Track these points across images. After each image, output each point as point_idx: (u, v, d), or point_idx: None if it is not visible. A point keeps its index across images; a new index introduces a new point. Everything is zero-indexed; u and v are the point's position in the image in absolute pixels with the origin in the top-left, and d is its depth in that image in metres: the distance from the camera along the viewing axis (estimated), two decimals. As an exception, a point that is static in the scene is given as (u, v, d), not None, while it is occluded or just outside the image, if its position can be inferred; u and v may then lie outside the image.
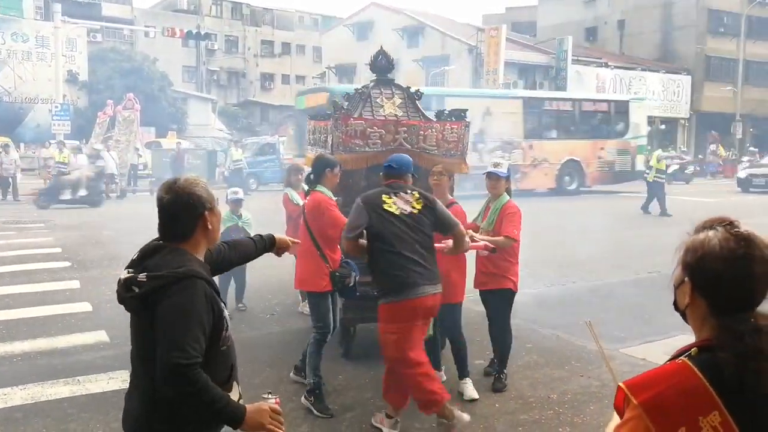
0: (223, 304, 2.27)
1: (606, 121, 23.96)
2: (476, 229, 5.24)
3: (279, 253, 3.01)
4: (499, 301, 5.21)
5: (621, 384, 1.48)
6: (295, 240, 3.15)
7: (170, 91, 39.92)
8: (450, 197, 5.00)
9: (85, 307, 7.46)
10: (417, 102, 5.69)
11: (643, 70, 39.44)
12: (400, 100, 5.59)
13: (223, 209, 7.39)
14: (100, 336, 6.40)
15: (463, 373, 5.09)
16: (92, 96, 36.27)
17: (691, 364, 1.42)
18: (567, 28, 41.85)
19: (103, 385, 5.15)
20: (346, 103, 5.59)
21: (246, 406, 2.18)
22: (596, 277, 9.40)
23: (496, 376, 5.25)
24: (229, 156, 23.45)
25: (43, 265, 9.70)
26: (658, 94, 39.35)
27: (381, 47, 5.87)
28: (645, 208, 16.89)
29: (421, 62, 36.28)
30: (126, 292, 2.17)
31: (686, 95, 40.80)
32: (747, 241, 1.46)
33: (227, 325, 2.26)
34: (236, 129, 43.50)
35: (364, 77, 28.99)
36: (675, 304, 1.56)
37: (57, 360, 5.77)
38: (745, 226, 1.51)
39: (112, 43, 42.36)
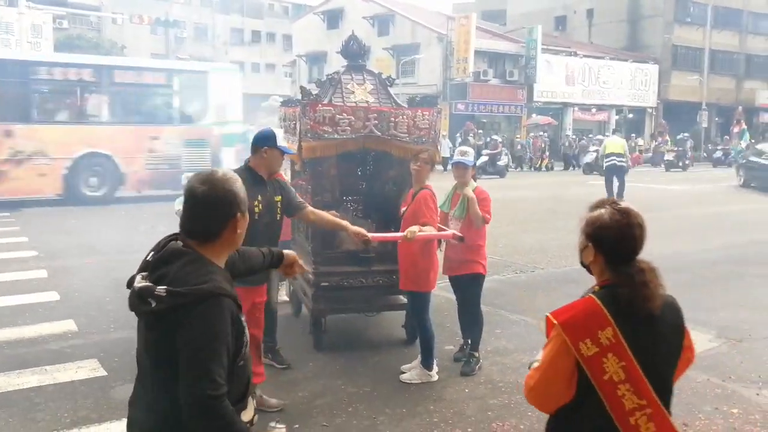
0: (242, 318, 2.07)
1: (165, 100, 16.79)
2: (444, 218, 5.29)
3: (287, 272, 2.82)
4: (470, 285, 5.28)
5: (548, 314, 2.09)
6: (305, 268, 2.96)
7: (138, 78, 39.26)
8: (426, 183, 5.03)
9: (52, 296, 7.36)
10: (389, 88, 5.69)
11: (611, 59, 39.89)
12: (372, 86, 5.58)
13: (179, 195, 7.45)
14: (69, 325, 6.31)
15: (424, 361, 5.09)
16: (58, 83, 35.50)
17: (594, 297, 2.06)
18: (536, 16, 42.15)
19: (71, 375, 5.09)
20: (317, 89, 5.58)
21: None
22: (565, 263, 9.53)
23: (465, 360, 5.31)
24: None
25: (9, 255, 9.51)
26: (626, 83, 39.87)
27: (353, 32, 5.86)
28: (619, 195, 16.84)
29: (392, 50, 36.21)
30: (141, 303, 1.95)
31: (654, 84, 41.38)
32: (626, 213, 2.11)
33: (247, 341, 2.08)
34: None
35: (335, 65, 28.80)
36: (581, 262, 2.22)
37: (24, 349, 5.68)
38: (623, 203, 2.17)
39: (79, 30, 41.52)
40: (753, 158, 22.41)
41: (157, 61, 23.61)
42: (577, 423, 2.06)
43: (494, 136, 29.03)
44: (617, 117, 40.65)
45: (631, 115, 41.19)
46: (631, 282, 2.03)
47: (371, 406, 4.57)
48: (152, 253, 2.07)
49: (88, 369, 5.20)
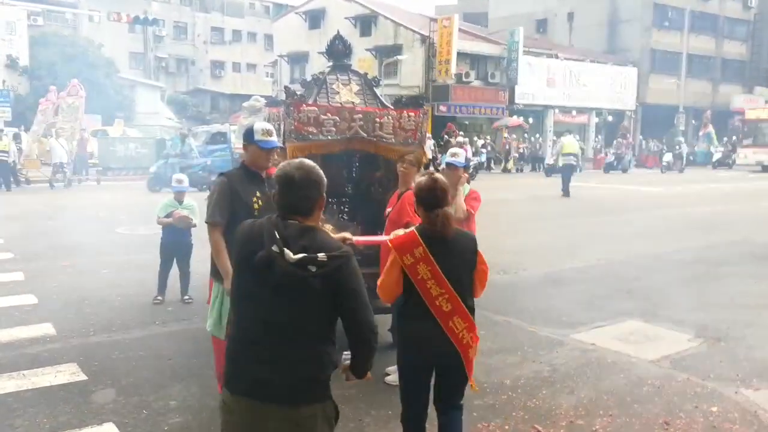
0: None
1: None
2: None
3: None
4: None
5: (387, 240, 3.65)
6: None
7: (117, 77, 38.84)
8: (413, 185, 5.04)
9: (29, 299, 7.22)
10: (375, 89, 5.65)
11: (591, 62, 40.23)
12: (358, 87, 5.53)
13: (167, 197, 7.36)
14: (46, 329, 6.19)
15: None
16: (34, 82, 35.01)
17: (414, 230, 3.38)
18: (518, 19, 42.38)
19: (50, 379, 4.99)
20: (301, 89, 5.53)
21: None
22: (546, 264, 9.58)
23: None
24: (187, 144, 22.93)
25: (-17, 257, 9.35)
26: (606, 86, 40.24)
27: (338, 32, 5.81)
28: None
29: (374, 51, 36.19)
30: (303, 270, 2.39)
31: (633, 87, 41.81)
32: (434, 179, 3.40)
33: None
34: (186, 117, 42.67)
35: (317, 65, 28.70)
36: (414, 209, 3.59)
37: (1, 354, 5.55)
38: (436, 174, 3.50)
39: (55, 27, 40.90)
40: None
41: None
42: (410, 307, 3.35)
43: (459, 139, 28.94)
44: (597, 119, 41.01)
45: (610, 118, 41.57)
46: (431, 222, 3.33)
47: (357, 409, 4.54)
48: (275, 230, 2.44)
49: (67, 373, 5.10)
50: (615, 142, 34.81)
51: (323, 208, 2.60)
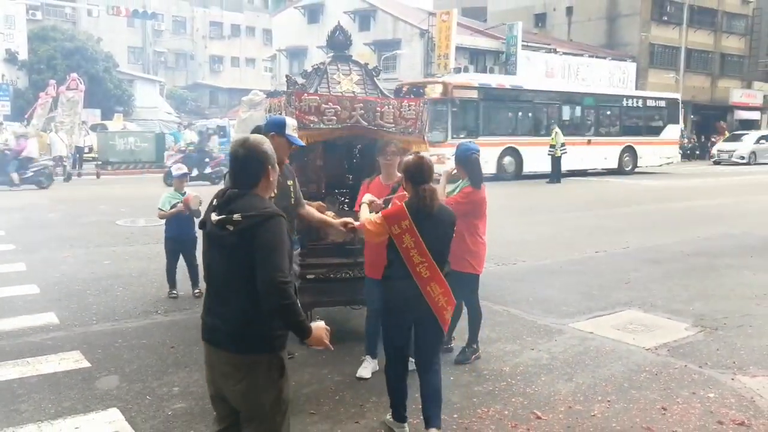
0: (292, 237, 3.06)
1: None
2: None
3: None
4: (459, 284, 5.11)
5: (380, 214, 3.88)
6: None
7: (116, 72, 38.80)
8: (398, 174, 4.94)
9: (32, 289, 7.26)
10: (375, 79, 5.68)
11: (590, 56, 40.18)
12: (358, 77, 5.56)
13: (167, 189, 7.31)
14: (49, 318, 6.24)
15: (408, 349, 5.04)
16: (33, 76, 34.97)
17: (403, 204, 3.76)
18: (516, 13, 42.36)
19: (54, 366, 5.03)
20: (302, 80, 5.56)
21: (310, 324, 2.73)
22: (545, 256, 9.62)
23: (461, 349, 5.31)
24: (183, 138, 22.96)
25: (-15, 249, 9.37)
26: (604, 81, 40.18)
27: (338, 23, 5.84)
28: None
29: (373, 46, 36.15)
30: (221, 230, 2.64)
31: (631, 82, 41.70)
32: (421, 157, 3.90)
33: (292, 261, 2.98)
34: (185, 112, 42.67)
35: (316, 60, 28.65)
36: (403, 185, 4.02)
37: (4, 342, 5.60)
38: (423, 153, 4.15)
39: (54, 22, 40.82)
40: None
41: None
42: (394, 269, 3.75)
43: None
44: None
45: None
46: (417, 197, 3.73)
47: (357, 394, 4.59)
48: (216, 199, 2.75)
49: (71, 360, 5.15)
50: None
51: (270, 178, 2.77)
